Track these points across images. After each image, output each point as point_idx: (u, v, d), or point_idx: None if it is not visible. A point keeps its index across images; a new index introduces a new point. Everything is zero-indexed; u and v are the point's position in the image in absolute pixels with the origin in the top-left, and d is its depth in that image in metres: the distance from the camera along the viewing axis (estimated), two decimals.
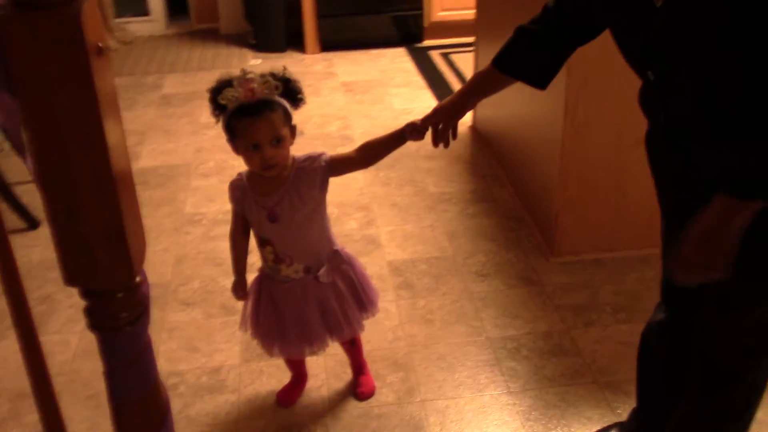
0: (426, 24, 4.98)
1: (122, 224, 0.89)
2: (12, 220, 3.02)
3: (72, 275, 0.92)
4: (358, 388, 2.15)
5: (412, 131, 1.71)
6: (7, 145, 3.25)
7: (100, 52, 0.82)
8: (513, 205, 3.07)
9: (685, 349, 1.64)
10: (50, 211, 0.87)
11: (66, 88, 0.80)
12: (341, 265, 1.94)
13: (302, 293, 1.90)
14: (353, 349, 2.15)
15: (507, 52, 1.64)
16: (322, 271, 1.89)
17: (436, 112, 1.69)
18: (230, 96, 1.67)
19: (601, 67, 2.39)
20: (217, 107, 1.71)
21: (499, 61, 1.63)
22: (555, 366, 2.23)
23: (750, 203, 1.21)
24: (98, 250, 0.89)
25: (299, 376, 2.18)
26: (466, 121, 3.80)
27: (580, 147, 2.53)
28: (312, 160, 1.81)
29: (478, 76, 1.71)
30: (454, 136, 1.72)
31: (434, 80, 4.40)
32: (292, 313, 1.92)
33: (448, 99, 1.71)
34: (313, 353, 2.00)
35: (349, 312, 1.96)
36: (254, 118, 1.67)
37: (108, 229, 0.88)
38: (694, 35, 1.21)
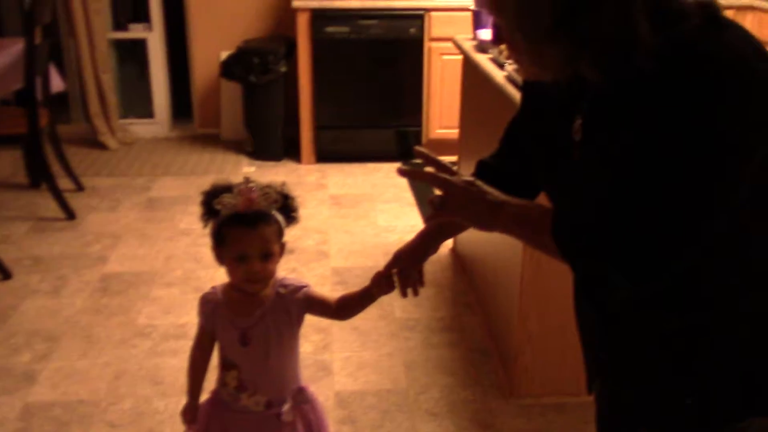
0: (424, 140, 4.95)
1: None
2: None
3: None
4: None
5: (378, 287, 1.61)
6: None
7: None
8: (480, 337, 2.89)
9: None
10: None
11: None
12: (304, 404, 1.79)
13: (257, 430, 1.75)
14: None
15: None
16: (286, 408, 1.74)
17: (397, 258, 1.57)
18: (227, 202, 1.59)
19: None
20: (209, 212, 1.63)
21: None
22: None
23: None
24: None
25: None
26: (449, 243, 3.67)
27: (541, 282, 2.37)
28: (293, 290, 1.71)
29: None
30: (421, 282, 1.58)
31: (424, 197, 4.31)
32: None
33: (409, 242, 1.60)
34: None
35: None
36: (248, 228, 1.60)
37: None
38: (606, 174, 1.12)
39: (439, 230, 1.60)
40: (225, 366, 1.73)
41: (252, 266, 1.61)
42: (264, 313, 1.68)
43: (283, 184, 1.68)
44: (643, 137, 1.06)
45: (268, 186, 1.64)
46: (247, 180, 1.62)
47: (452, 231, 1.61)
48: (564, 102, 1.20)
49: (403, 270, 1.57)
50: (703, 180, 1.02)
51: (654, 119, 1.04)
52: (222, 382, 1.75)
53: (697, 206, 1.03)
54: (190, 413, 1.79)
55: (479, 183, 1.23)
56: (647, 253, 1.07)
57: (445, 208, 1.27)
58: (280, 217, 1.64)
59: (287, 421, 1.75)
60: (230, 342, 1.70)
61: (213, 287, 1.76)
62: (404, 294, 1.58)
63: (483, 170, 1.53)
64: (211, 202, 1.62)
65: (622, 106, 1.10)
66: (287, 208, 1.67)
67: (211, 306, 1.72)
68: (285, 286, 1.71)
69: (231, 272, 1.66)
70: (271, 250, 1.63)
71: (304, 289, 1.72)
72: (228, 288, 1.72)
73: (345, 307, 1.77)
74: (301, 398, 1.79)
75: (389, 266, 1.58)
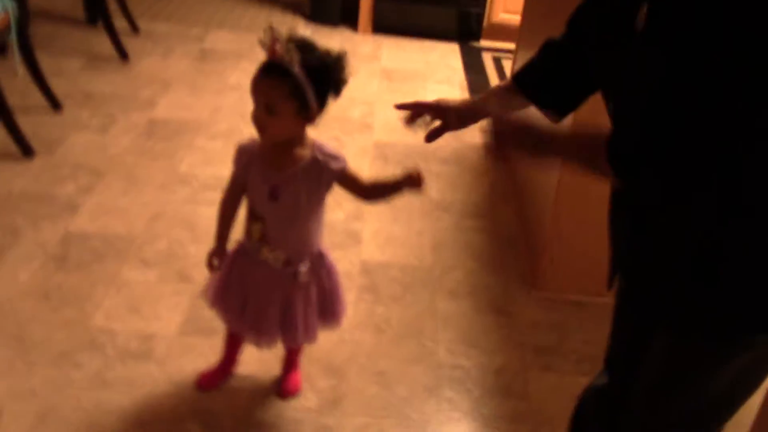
0: (486, 24, 4.80)
1: None
2: (7, 144, 3.01)
3: None
4: (283, 384, 2.05)
5: (410, 184, 1.66)
6: (21, 70, 3.25)
7: None
8: (511, 227, 2.90)
9: (618, 424, 1.51)
10: None
11: None
12: (321, 269, 1.84)
13: (272, 285, 1.81)
14: (293, 350, 2.05)
15: (528, 67, 1.52)
16: (303, 268, 1.79)
17: (438, 105, 1.57)
18: (263, 48, 1.59)
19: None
20: None
21: (518, 77, 1.53)
22: (496, 406, 2.08)
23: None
24: None
25: (229, 361, 2.08)
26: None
27: (578, 182, 2.34)
28: (330, 159, 1.70)
29: (497, 88, 1.60)
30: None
31: (477, 83, 4.23)
32: (255, 299, 1.83)
33: (462, 102, 1.59)
34: (259, 346, 1.91)
35: (310, 321, 1.86)
36: (259, 76, 1.59)
37: None
38: (667, 68, 1.09)
39: (494, 99, 1.58)
40: (252, 217, 1.77)
41: (254, 113, 1.60)
42: (296, 173, 1.69)
43: (338, 56, 1.61)
44: (715, 32, 1.01)
45: (298, 41, 1.57)
46: (272, 29, 1.57)
47: (506, 104, 1.57)
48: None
49: (445, 123, 1.57)
50: None
51: (726, 14, 0.99)
52: (247, 233, 1.79)
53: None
54: (216, 258, 1.85)
55: None
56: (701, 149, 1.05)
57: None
58: (302, 77, 1.56)
59: (302, 281, 1.80)
60: (260, 194, 1.72)
61: (252, 138, 1.76)
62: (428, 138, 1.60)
63: (549, 50, 1.50)
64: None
65: None
66: (324, 77, 1.60)
67: (246, 156, 1.73)
68: (323, 152, 1.71)
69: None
70: (275, 105, 1.58)
71: (341, 162, 1.72)
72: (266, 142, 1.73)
73: (374, 192, 1.79)
74: (320, 263, 1.83)
75: (425, 105, 1.58)
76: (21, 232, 2.56)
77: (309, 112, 1.62)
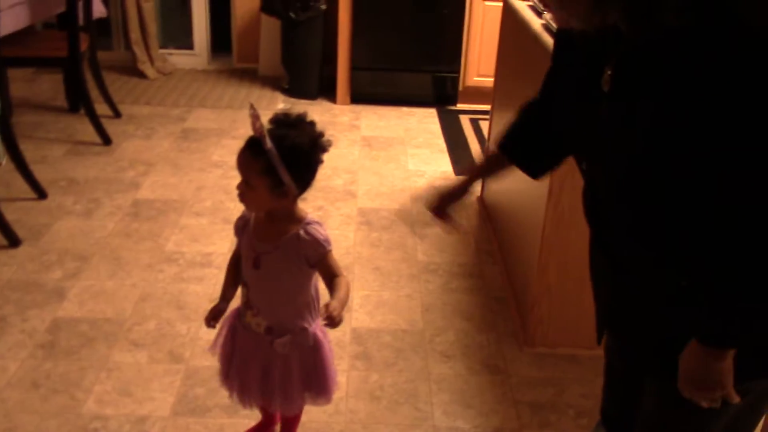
0: (461, 88, 4.91)
1: None
2: None
3: None
4: None
5: (326, 319, 1.64)
6: (4, 160, 3.28)
7: None
8: (500, 285, 2.92)
9: None
10: None
11: None
12: (304, 345, 1.83)
13: (254, 348, 1.83)
14: (287, 421, 2.03)
15: (508, 131, 1.57)
16: (281, 339, 1.79)
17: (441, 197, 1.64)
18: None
19: None
20: None
21: (501, 141, 1.58)
22: None
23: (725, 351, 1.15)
24: None
25: (268, 419, 2.08)
26: (476, 191, 3.67)
27: (562, 235, 2.38)
28: (314, 243, 1.71)
29: (485, 157, 1.70)
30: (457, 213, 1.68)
31: (456, 144, 4.30)
32: (238, 359, 1.87)
33: (451, 184, 1.65)
34: (243, 405, 1.93)
35: (288, 392, 1.85)
36: (240, 151, 1.66)
37: None
38: (632, 130, 1.13)
39: (481, 168, 1.71)
40: (242, 281, 1.83)
41: (238, 185, 1.68)
42: (278, 246, 1.72)
43: (312, 137, 1.66)
44: (674, 94, 1.05)
45: (277, 121, 1.66)
46: (252, 106, 1.65)
47: (492, 170, 1.70)
48: (594, 52, 1.19)
49: (441, 206, 1.64)
50: (737, 134, 1.02)
51: (685, 78, 1.03)
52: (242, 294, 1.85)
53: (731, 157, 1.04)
54: (215, 314, 1.86)
55: None
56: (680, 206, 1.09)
57: None
58: (275, 157, 1.59)
59: (280, 351, 1.79)
60: (247, 261, 1.78)
61: None
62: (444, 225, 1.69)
63: (524, 113, 1.54)
64: None
65: (651, 60, 1.08)
66: (292, 154, 1.62)
67: (242, 222, 1.82)
68: (308, 233, 1.71)
69: None
70: (250, 179, 1.65)
71: (322, 248, 1.72)
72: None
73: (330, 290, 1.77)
74: (302, 339, 1.81)
75: (437, 208, 1.64)
76: (8, 321, 2.55)
77: (282, 189, 1.65)
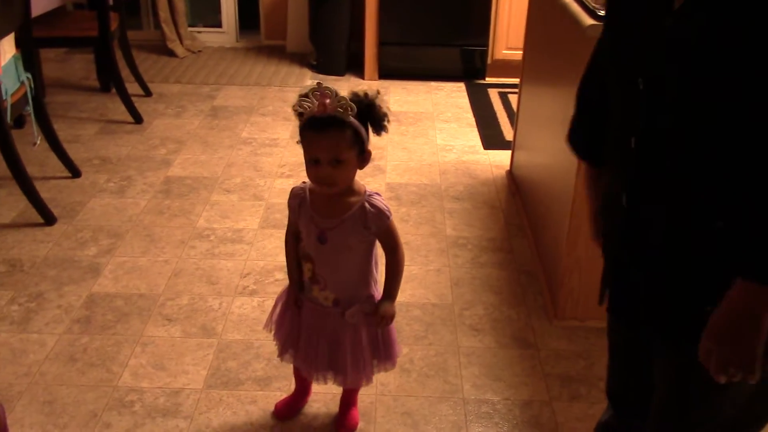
0: (489, 61, 4.87)
1: None
2: (29, 214, 3.08)
3: None
4: (340, 420, 2.09)
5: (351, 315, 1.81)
6: (39, 140, 3.33)
7: None
8: (529, 259, 2.91)
9: None
10: None
11: None
12: (370, 313, 1.86)
13: (322, 323, 1.87)
14: (350, 389, 2.08)
15: (571, 124, 1.51)
16: (351, 310, 1.83)
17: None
18: (306, 106, 1.65)
19: None
20: (298, 114, 1.69)
21: (567, 136, 1.52)
22: None
23: None
24: None
25: (302, 390, 2.13)
26: (505, 164, 3.66)
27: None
28: (378, 213, 1.76)
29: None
30: None
31: (485, 119, 4.28)
32: (306, 334, 1.89)
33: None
34: (310, 379, 2.00)
35: (360, 362, 1.89)
36: (318, 133, 1.64)
37: None
38: (702, 46, 1.08)
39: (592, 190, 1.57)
40: (303, 257, 1.84)
41: (321, 170, 1.66)
42: (344, 221, 1.74)
43: (377, 92, 1.71)
44: (734, 13, 1.03)
45: (349, 96, 1.66)
46: (320, 84, 1.64)
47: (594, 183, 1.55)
48: None
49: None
50: None
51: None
52: (301, 271, 1.87)
53: None
54: (293, 300, 1.89)
55: None
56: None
57: None
58: (357, 125, 1.65)
59: (351, 322, 1.83)
60: (309, 237, 1.79)
61: (303, 182, 1.83)
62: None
63: (583, 99, 1.48)
64: (295, 105, 1.67)
65: None
66: (373, 115, 1.69)
67: (297, 200, 1.81)
68: (373, 205, 1.75)
69: (308, 173, 1.72)
70: (341, 156, 1.65)
71: (386, 217, 1.77)
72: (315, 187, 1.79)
73: (389, 264, 1.85)
74: (370, 306, 1.85)
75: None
76: (45, 297, 2.61)
77: (365, 156, 1.71)
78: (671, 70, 1.12)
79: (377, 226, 1.76)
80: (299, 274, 1.88)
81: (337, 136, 1.64)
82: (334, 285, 1.82)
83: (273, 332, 1.97)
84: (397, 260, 1.83)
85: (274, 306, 1.97)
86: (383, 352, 1.91)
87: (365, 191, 1.77)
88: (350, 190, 1.75)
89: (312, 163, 1.67)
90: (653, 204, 1.21)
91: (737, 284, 1.09)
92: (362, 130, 1.67)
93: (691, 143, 1.12)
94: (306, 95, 1.65)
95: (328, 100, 1.62)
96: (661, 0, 1.15)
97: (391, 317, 1.85)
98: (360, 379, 1.94)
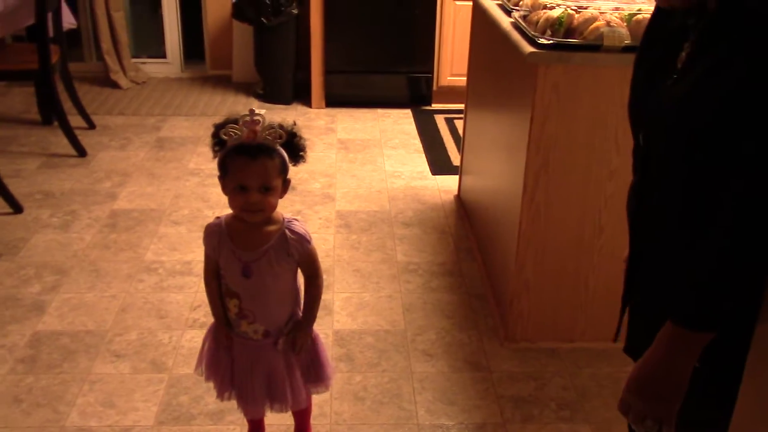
0: (435, 87, 4.94)
1: None
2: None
3: None
4: None
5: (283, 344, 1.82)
6: None
7: None
8: (479, 282, 2.94)
9: None
10: None
11: None
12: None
13: (255, 356, 1.84)
14: (300, 413, 2.05)
15: None
16: (283, 338, 1.82)
17: None
18: (232, 132, 1.63)
19: (564, 148, 2.29)
20: (218, 142, 1.67)
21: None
22: None
23: (697, 335, 1.09)
24: None
25: (256, 429, 2.08)
26: (453, 189, 3.70)
27: (538, 230, 2.40)
28: (300, 240, 1.75)
29: None
30: None
31: (432, 144, 4.33)
32: (239, 369, 1.86)
33: None
34: (247, 415, 1.97)
35: (295, 385, 1.87)
36: (249, 159, 1.63)
37: None
38: (681, 115, 1.12)
39: None
40: (227, 293, 1.81)
41: (250, 197, 1.65)
42: (267, 250, 1.73)
43: (294, 123, 1.71)
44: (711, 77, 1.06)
45: (276, 124, 1.66)
46: (252, 112, 1.64)
47: None
48: (676, 31, 1.19)
49: None
50: None
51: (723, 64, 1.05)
52: (226, 308, 1.83)
53: None
54: (220, 335, 1.85)
55: None
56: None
57: None
58: (284, 153, 1.67)
59: (282, 350, 1.82)
60: (232, 272, 1.76)
61: (217, 217, 1.81)
62: None
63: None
64: (220, 132, 1.65)
65: (716, 39, 1.08)
66: (293, 145, 1.69)
67: (216, 237, 1.77)
68: (294, 232, 1.75)
69: (231, 202, 1.70)
70: (271, 183, 1.66)
71: (308, 242, 1.77)
72: (232, 219, 1.77)
73: (307, 288, 1.85)
74: (298, 329, 1.85)
75: None
76: None
77: (287, 184, 1.72)
78: (657, 131, 1.18)
79: (299, 252, 1.76)
80: (224, 312, 1.85)
81: (267, 163, 1.64)
82: (263, 317, 1.80)
83: (204, 376, 1.91)
84: (317, 285, 1.84)
85: (202, 347, 1.91)
86: (314, 373, 1.90)
87: (283, 218, 1.76)
88: (269, 219, 1.75)
89: (238, 190, 1.66)
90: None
91: (665, 327, 1.12)
92: (286, 158, 1.68)
93: (661, 197, 1.20)
94: (235, 121, 1.65)
95: (258, 128, 1.62)
96: (670, 58, 1.18)
97: (307, 344, 1.85)
98: (299, 403, 1.92)
